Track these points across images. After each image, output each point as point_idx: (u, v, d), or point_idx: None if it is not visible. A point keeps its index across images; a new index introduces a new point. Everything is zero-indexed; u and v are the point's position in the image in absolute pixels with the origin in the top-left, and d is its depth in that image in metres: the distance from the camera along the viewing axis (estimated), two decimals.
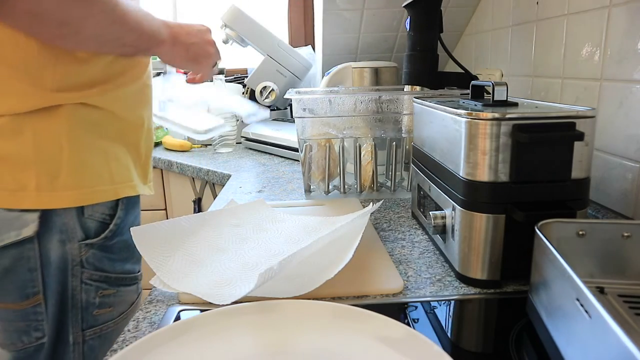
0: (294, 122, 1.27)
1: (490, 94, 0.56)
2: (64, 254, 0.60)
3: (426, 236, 0.68)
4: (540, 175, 0.49)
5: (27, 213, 0.56)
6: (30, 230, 0.57)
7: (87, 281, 0.62)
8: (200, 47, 0.71)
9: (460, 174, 0.51)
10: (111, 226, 0.63)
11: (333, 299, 0.50)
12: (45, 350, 0.62)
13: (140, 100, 0.69)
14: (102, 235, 0.62)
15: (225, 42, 1.52)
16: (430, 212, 0.58)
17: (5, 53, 0.54)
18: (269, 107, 1.60)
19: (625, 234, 0.44)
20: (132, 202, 0.68)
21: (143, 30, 0.60)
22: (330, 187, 0.88)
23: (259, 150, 1.42)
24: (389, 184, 0.89)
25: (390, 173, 0.88)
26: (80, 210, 0.60)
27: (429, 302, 0.50)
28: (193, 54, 0.71)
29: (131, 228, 0.55)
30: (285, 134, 1.34)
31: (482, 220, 0.50)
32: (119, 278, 0.66)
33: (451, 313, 0.48)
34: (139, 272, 0.72)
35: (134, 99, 0.67)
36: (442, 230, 0.57)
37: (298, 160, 1.23)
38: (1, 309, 0.61)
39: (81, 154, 0.59)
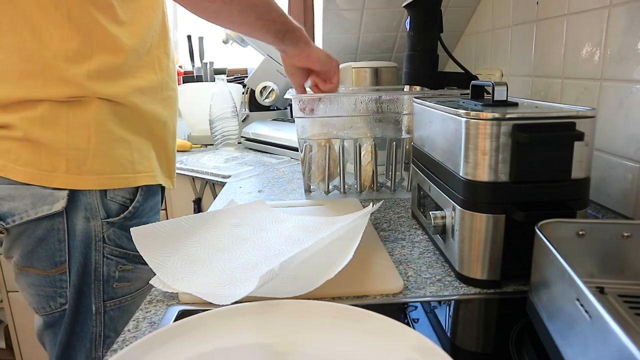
0: (294, 122, 1.27)
1: (490, 94, 0.56)
2: (88, 229, 0.67)
3: (426, 236, 0.68)
4: (540, 175, 0.49)
5: (58, 191, 0.64)
6: (59, 205, 0.64)
7: (109, 256, 0.69)
8: (329, 60, 0.82)
9: (460, 174, 0.51)
10: (130, 208, 0.70)
11: (333, 299, 0.50)
12: (67, 317, 0.68)
13: (162, 100, 0.75)
14: (122, 216, 0.69)
15: (225, 42, 1.52)
16: (430, 212, 0.58)
17: (52, 43, 0.61)
18: (269, 107, 1.60)
19: (625, 234, 0.44)
20: (152, 190, 0.74)
21: (285, 14, 0.73)
22: (330, 187, 0.88)
23: (259, 150, 1.42)
24: (389, 184, 0.89)
25: (390, 173, 0.88)
26: (104, 192, 0.67)
27: (429, 302, 0.50)
28: (325, 57, 0.81)
29: (131, 229, 0.56)
30: (285, 134, 1.34)
31: (482, 220, 0.50)
32: (136, 256, 0.71)
33: (451, 313, 0.48)
34: None
35: (158, 100, 0.74)
36: (442, 230, 0.57)
37: (298, 160, 1.23)
38: (34, 274, 0.68)
39: (106, 145, 0.66)
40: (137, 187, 0.71)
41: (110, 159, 0.67)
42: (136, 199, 0.71)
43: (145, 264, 0.73)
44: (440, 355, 0.35)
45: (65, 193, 0.64)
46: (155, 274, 0.76)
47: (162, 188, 0.80)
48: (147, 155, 0.73)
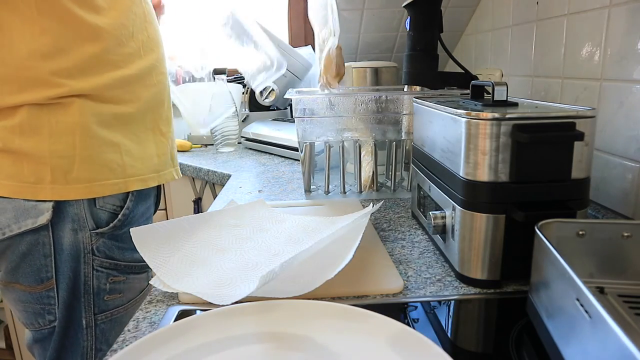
0: (294, 122, 1.27)
1: (490, 94, 0.56)
2: (76, 242, 0.64)
3: (426, 236, 0.68)
4: (540, 175, 0.49)
5: (42, 203, 0.61)
6: (44, 218, 0.61)
7: (99, 268, 0.66)
8: None
9: (460, 174, 0.51)
10: (119, 216, 0.67)
11: (333, 299, 0.50)
12: (56, 334, 0.66)
13: (153, 86, 0.70)
14: (111, 225, 0.66)
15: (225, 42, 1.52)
16: (430, 212, 0.58)
17: (22, 41, 0.58)
18: (269, 107, 1.60)
19: (625, 234, 0.44)
20: (143, 195, 0.71)
21: None
22: (330, 187, 0.88)
23: (259, 150, 1.42)
24: (389, 184, 0.89)
25: (390, 173, 0.88)
26: (92, 201, 0.64)
27: (429, 302, 0.50)
28: None
29: (131, 229, 0.56)
30: (285, 134, 1.34)
31: (482, 220, 0.50)
32: (128, 266, 0.70)
33: (451, 313, 0.48)
34: None
35: (148, 86, 0.69)
36: (442, 230, 0.57)
37: (298, 160, 1.23)
38: (21, 290, 0.65)
39: (93, 150, 0.62)
40: (128, 193, 0.67)
41: (98, 164, 0.63)
42: (126, 206, 0.67)
43: (137, 273, 0.71)
44: (440, 355, 0.35)
45: (50, 205, 0.60)
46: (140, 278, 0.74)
47: (158, 187, 0.77)
48: (140, 157, 0.69)
